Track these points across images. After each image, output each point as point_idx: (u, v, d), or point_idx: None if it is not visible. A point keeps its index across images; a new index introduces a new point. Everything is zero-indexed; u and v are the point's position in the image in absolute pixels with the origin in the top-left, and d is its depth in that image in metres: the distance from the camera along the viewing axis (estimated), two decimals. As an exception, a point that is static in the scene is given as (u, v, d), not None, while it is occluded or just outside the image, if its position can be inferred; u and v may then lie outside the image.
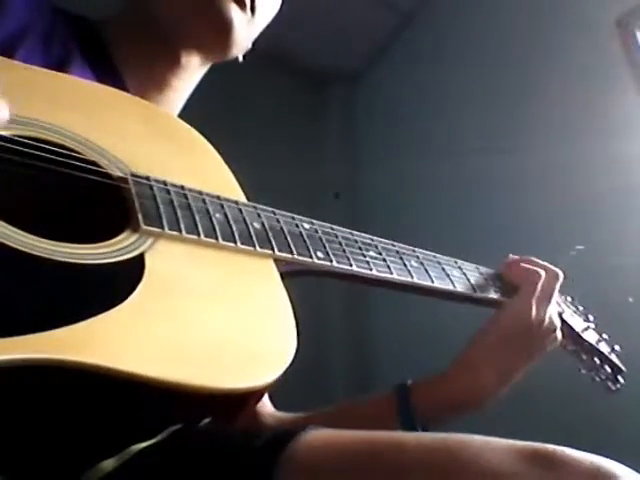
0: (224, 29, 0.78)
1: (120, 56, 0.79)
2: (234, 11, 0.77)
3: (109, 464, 0.54)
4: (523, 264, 0.83)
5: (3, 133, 0.50)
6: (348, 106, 3.05)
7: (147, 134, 0.65)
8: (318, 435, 0.56)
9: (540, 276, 0.80)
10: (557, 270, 0.82)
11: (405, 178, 2.51)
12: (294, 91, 2.85)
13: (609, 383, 0.90)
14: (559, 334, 0.81)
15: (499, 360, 0.75)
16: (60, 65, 0.70)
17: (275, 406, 0.81)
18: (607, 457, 0.50)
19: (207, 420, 0.53)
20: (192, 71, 0.84)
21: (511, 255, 0.86)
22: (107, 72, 0.76)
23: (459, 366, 0.76)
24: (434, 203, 2.40)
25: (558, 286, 0.81)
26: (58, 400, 0.43)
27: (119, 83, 0.76)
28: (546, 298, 0.79)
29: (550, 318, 0.79)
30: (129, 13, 0.82)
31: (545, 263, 0.83)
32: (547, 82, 2.09)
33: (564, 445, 0.50)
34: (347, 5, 2.62)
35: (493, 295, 0.80)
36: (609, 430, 1.46)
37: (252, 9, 0.79)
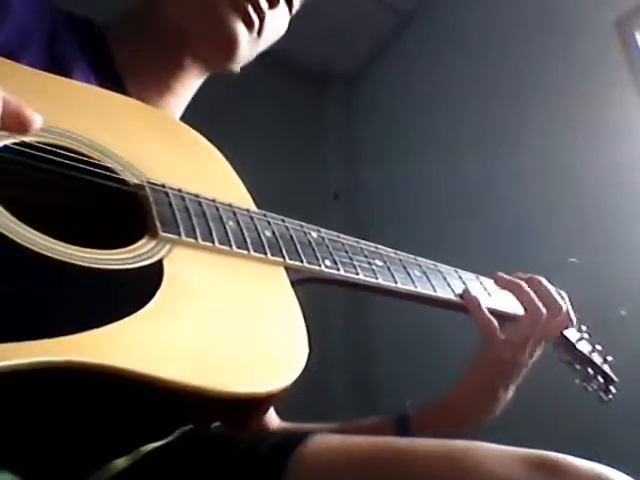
0: (229, 45, 0.79)
1: (122, 59, 0.79)
2: (241, 29, 0.78)
3: (120, 463, 0.55)
4: (526, 289, 0.81)
5: (24, 139, 0.51)
6: (348, 106, 3.05)
7: (159, 141, 0.66)
8: (325, 440, 0.56)
9: (542, 315, 0.78)
10: (561, 303, 0.80)
11: (405, 178, 2.52)
12: (294, 91, 2.85)
13: (601, 393, 0.90)
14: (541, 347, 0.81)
15: (493, 389, 0.77)
16: (64, 68, 0.70)
17: (276, 409, 0.81)
18: (608, 465, 0.51)
19: (217, 423, 0.54)
20: (193, 77, 0.85)
21: (517, 275, 0.84)
22: (108, 75, 0.76)
23: (457, 396, 0.78)
24: (434, 203, 2.41)
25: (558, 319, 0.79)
26: (72, 400, 0.44)
27: (120, 86, 0.76)
28: (543, 336, 0.79)
29: (531, 350, 0.79)
30: (133, 16, 0.83)
31: (550, 288, 0.81)
32: (546, 83, 2.09)
33: (566, 453, 0.51)
34: (347, 5, 2.62)
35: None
36: (610, 438, 1.47)
37: (259, 30, 0.80)
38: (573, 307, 0.86)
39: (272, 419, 0.80)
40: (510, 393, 0.78)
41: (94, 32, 0.81)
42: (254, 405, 0.50)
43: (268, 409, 0.56)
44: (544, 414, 1.55)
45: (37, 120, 0.46)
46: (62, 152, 0.53)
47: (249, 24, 0.78)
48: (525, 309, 0.79)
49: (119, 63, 0.79)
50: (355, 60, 2.95)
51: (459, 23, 2.50)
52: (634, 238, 1.72)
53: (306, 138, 2.86)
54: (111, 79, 0.76)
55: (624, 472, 0.50)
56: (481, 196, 2.21)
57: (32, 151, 0.51)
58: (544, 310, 0.78)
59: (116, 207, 0.57)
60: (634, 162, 1.83)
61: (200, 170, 0.67)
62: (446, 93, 2.47)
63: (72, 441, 0.48)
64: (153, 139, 0.65)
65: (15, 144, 0.50)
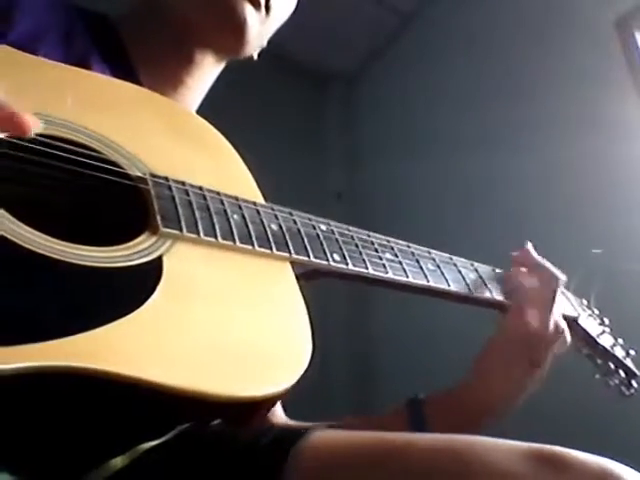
0: (237, 28, 0.77)
1: (136, 53, 0.78)
2: (248, 10, 0.77)
3: (117, 462, 0.54)
4: (518, 270, 0.81)
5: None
6: (348, 106, 3.05)
7: (169, 133, 0.64)
8: (325, 435, 0.55)
9: (558, 280, 0.77)
10: (555, 272, 0.79)
11: (406, 177, 2.52)
12: (294, 90, 2.85)
13: (623, 388, 0.88)
14: (568, 337, 0.78)
15: (507, 370, 0.74)
16: (80, 62, 0.69)
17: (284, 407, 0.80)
18: (613, 459, 0.50)
19: (217, 420, 0.54)
20: (206, 69, 0.83)
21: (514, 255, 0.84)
22: (123, 70, 0.75)
23: (470, 377, 0.75)
24: (435, 202, 2.41)
25: (558, 289, 0.77)
26: (69, 399, 0.43)
27: (135, 80, 0.75)
28: (543, 305, 0.76)
29: (555, 323, 0.76)
30: (142, 10, 0.82)
31: (545, 265, 0.80)
32: (546, 83, 2.09)
33: (571, 447, 0.50)
34: (347, 5, 2.63)
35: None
36: (616, 432, 1.46)
37: (267, 8, 0.78)
38: (593, 300, 0.85)
39: (278, 417, 0.79)
40: (531, 380, 0.75)
41: (108, 26, 0.80)
42: (256, 405, 0.49)
43: (272, 406, 0.56)
44: (549, 407, 1.55)
45: (34, 124, 0.46)
46: (63, 145, 0.52)
47: (255, 3, 0.77)
48: (539, 286, 0.77)
49: (133, 57, 0.78)
50: (355, 60, 2.95)
51: (459, 23, 2.50)
52: (634, 238, 1.72)
53: (307, 138, 2.86)
54: (126, 74, 0.74)
55: (630, 466, 0.50)
56: (482, 195, 2.21)
57: (30, 144, 0.50)
58: (557, 273, 0.78)
59: (119, 202, 0.56)
60: (634, 162, 1.83)
61: (210, 163, 0.65)
62: (446, 93, 2.47)
63: (69, 440, 0.47)
64: (164, 132, 0.64)
65: (11, 137, 0.49)
